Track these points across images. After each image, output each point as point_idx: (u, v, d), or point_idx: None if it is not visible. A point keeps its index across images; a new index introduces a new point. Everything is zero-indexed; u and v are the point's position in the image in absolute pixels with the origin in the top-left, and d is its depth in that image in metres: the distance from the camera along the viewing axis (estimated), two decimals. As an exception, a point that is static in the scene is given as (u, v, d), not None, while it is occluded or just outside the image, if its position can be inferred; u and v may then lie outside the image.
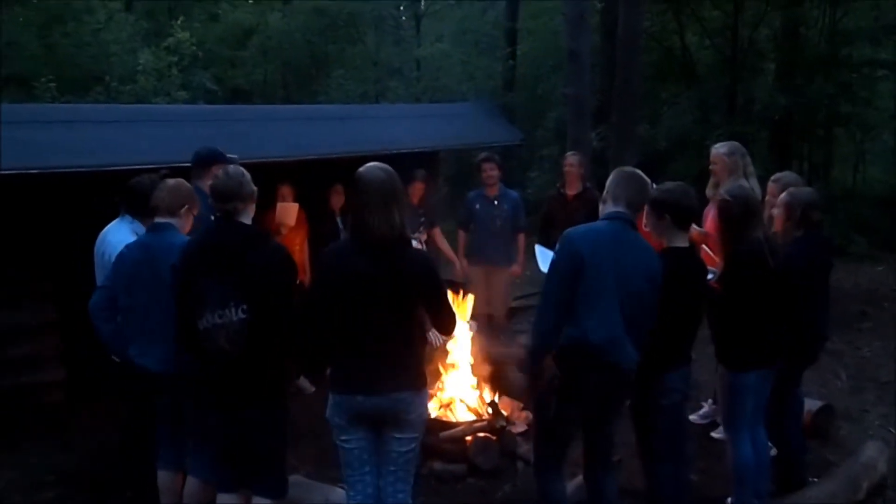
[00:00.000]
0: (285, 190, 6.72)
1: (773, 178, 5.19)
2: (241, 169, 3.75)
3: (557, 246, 3.81)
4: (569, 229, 3.82)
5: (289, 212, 6.37)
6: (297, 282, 4.12)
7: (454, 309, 3.78)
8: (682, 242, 4.08)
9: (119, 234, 4.43)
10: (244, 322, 3.51)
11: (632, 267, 3.71)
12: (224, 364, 3.58)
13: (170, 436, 4.17)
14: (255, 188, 3.73)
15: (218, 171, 4.64)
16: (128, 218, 4.53)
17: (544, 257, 5.47)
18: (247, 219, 3.68)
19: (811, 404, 5.65)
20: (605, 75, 13.75)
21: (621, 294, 3.67)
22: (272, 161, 6.34)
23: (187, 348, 3.69)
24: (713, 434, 5.70)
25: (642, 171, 6.64)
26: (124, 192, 4.53)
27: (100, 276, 4.47)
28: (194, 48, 16.07)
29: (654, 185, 4.25)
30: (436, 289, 3.54)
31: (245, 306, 3.50)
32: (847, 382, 7.05)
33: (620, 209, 3.83)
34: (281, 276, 3.61)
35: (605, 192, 3.94)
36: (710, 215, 5.51)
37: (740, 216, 4.18)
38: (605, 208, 3.90)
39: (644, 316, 3.76)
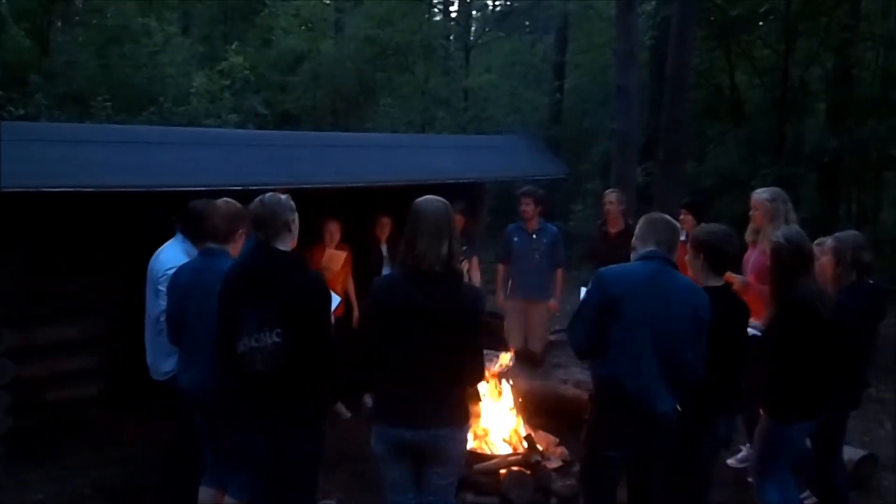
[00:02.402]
0: (332, 227, 6.81)
1: (816, 242, 5.07)
2: (278, 197, 3.78)
3: (590, 283, 3.81)
4: (603, 268, 3.83)
5: (336, 259, 6.57)
6: (336, 309, 4.17)
7: (485, 359, 3.75)
8: (715, 282, 4.07)
9: (170, 253, 4.57)
10: (279, 346, 3.56)
11: (670, 308, 3.66)
12: (262, 386, 3.63)
13: (212, 454, 4.23)
14: (291, 216, 3.76)
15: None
16: (180, 237, 4.68)
17: None
18: (283, 245, 3.72)
19: (853, 453, 5.54)
20: (652, 111, 13.75)
21: (657, 337, 3.63)
22: (319, 187, 6.43)
23: (227, 372, 3.75)
24: (751, 479, 5.62)
25: (693, 209, 6.68)
26: (182, 213, 4.65)
27: (149, 294, 4.59)
28: (247, 72, 16.35)
29: (701, 224, 4.28)
30: (475, 332, 3.53)
31: (279, 330, 3.56)
32: (891, 432, 6.89)
33: (655, 248, 3.79)
34: (315, 302, 3.66)
35: (634, 237, 3.93)
36: (751, 261, 5.46)
37: (792, 261, 4.12)
38: (637, 251, 3.87)
39: (684, 358, 3.69)
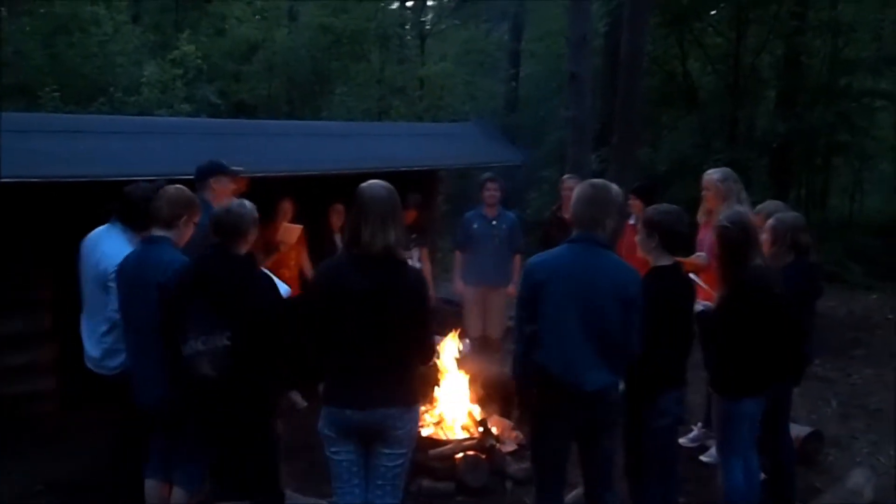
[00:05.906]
0: (286, 205, 6.78)
1: (756, 209, 5.18)
2: (244, 207, 3.78)
3: (522, 274, 3.87)
4: (531, 258, 3.88)
5: (291, 232, 6.51)
6: (288, 298, 4.15)
7: (435, 340, 3.79)
8: (665, 262, 4.15)
9: (114, 247, 4.28)
10: (228, 349, 3.56)
11: (596, 287, 3.69)
12: (209, 389, 3.62)
13: (159, 445, 4.19)
14: (252, 228, 3.79)
15: (217, 183, 4.67)
16: (119, 226, 4.40)
17: None
18: (240, 251, 3.74)
19: (800, 430, 5.67)
20: (606, 98, 13.83)
21: (585, 317, 3.67)
22: (273, 176, 6.39)
23: (173, 372, 3.73)
24: (702, 458, 5.73)
25: (641, 193, 6.69)
26: (119, 199, 4.43)
27: (92, 290, 4.39)
28: (199, 61, 16.11)
29: (653, 206, 4.36)
30: (421, 313, 3.54)
31: (229, 333, 3.55)
32: (837, 409, 7.07)
33: (584, 230, 3.80)
34: (264, 303, 3.68)
35: (580, 217, 3.86)
36: (705, 241, 5.55)
37: (740, 242, 4.18)
38: (574, 230, 3.88)
39: (616, 335, 3.73)
